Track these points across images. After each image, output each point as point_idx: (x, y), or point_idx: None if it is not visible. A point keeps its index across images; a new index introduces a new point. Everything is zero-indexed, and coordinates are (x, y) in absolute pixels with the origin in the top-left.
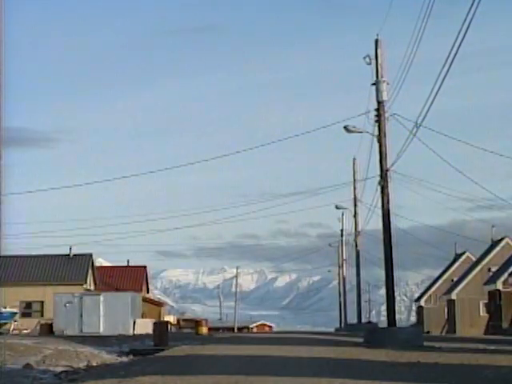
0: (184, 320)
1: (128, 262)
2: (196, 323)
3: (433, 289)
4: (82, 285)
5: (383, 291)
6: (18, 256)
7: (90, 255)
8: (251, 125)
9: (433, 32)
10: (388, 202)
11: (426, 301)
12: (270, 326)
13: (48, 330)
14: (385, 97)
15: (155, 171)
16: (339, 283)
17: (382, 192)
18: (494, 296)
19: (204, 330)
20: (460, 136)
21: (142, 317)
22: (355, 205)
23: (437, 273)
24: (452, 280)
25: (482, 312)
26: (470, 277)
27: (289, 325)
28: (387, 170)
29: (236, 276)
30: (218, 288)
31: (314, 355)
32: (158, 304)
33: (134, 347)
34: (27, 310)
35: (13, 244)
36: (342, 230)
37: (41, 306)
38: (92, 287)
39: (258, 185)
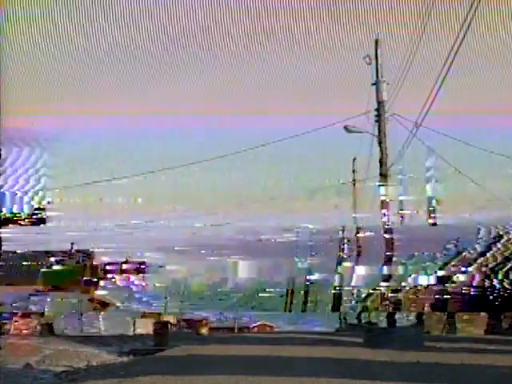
0: (184, 320)
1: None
2: (196, 323)
3: None
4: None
5: None
6: None
7: (90, 254)
8: (251, 125)
9: (433, 32)
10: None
11: None
12: (271, 326)
13: (48, 330)
14: (385, 97)
15: (155, 171)
16: None
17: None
18: None
19: (204, 330)
20: (460, 136)
21: (142, 317)
22: (355, 205)
23: None
24: None
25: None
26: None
27: (289, 325)
28: (387, 170)
29: (236, 276)
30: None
31: (313, 355)
32: None
33: (134, 347)
34: (27, 310)
35: None
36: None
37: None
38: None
39: (257, 185)
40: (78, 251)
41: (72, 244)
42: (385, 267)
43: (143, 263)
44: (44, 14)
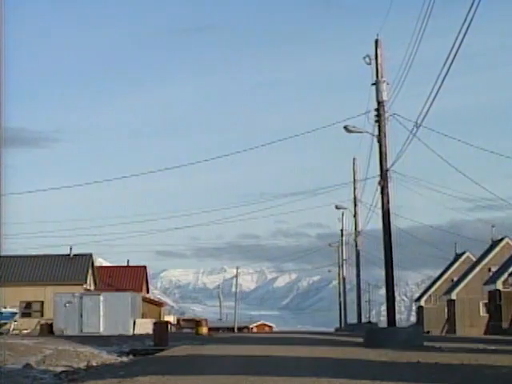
0: (184, 320)
1: (128, 262)
2: (196, 323)
3: (433, 289)
4: (81, 285)
5: (383, 291)
6: (18, 256)
7: (90, 255)
8: (251, 125)
9: (433, 32)
10: (388, 202)
11: (425, 301)
12: (270, 326)
13: (48, 329)
14: (385, 97)
15: (155, 171)
16: (339, 283)
17: (382, 192)
18: (494, 296)
19: (204, 330)
20: (460, 136)
21: (142, 317)
22: (355, 205)
23: (437, 273)
24: (452, 280)
25: (482, 312)
26: (470, 277)
27: (289, 325)
28: (387, 170)
29: (236, 276)
30: (217, 288)
31: (313, 355)
32: (158, 304)
33: (134, 347)
34: (27, 310)
35: (13, 244)
36: (341, 230)
37: (41, 306)
38: (92, 287)
39: (257, 185)
40: (76, 255)
41: (71, 248)
42: None
43: (144, 267)
44: (44, 15)
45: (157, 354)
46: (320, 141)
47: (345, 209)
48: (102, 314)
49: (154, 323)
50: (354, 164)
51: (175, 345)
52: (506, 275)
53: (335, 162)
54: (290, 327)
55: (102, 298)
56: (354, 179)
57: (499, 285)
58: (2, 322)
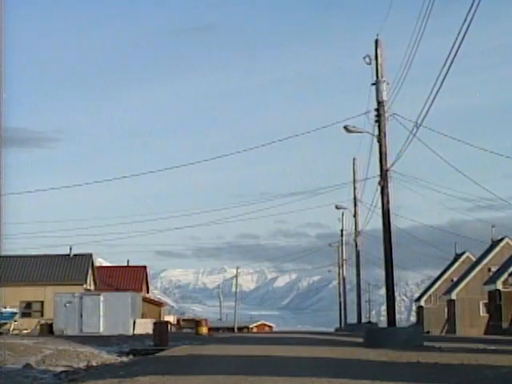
0: (184, 320)
1: (128, 262)
2: (196, 323)
3: (433, 289)
4: (82, 285)
5: (383, 291)
6: (18, 256)
7: (90, 255)
8: (251, 125)
9: (433, 32)
10: (388, 202)
11: (425, 301)
12: (270, 326)
13: (48, 329)
14: (385, 97)
15: (155, 171)
16: (339, 283)
17: (382, 192)
18: (494, 296)
19: (204, 330)
20: (460, 136)
21: (142, 317)
22: (355, 205)
23: (437, 273)
24: (452, 280)
25: (482, 312)
26: (469, 277)
27: (289, 325)
28: (387, 170)
29: (236, 276)
30: (217, 288)
31: (314, 355)
32: (158, 304)
33: (134, 347)
34: (27, 310)
35: (13, 244)
36: (341, 230)
37: (41, 306)
38: (92, 287)
39: (257, 185)
40: (76, 255)
41: (70, 248)
42: None
43: (144, 267)
44: (44, 15)
45: (157, 354)
46: (320, 141)
47: (345, 209)
48: (102, 313)
49: (154, 323)
50: (353, 164)
51: (175, 345)
52: (506, 275)
53: (335, 161)
54: (290, 327)
55: (102, 297)
56: (354, 179)
57: (499, 285)
58: (2, 321)
